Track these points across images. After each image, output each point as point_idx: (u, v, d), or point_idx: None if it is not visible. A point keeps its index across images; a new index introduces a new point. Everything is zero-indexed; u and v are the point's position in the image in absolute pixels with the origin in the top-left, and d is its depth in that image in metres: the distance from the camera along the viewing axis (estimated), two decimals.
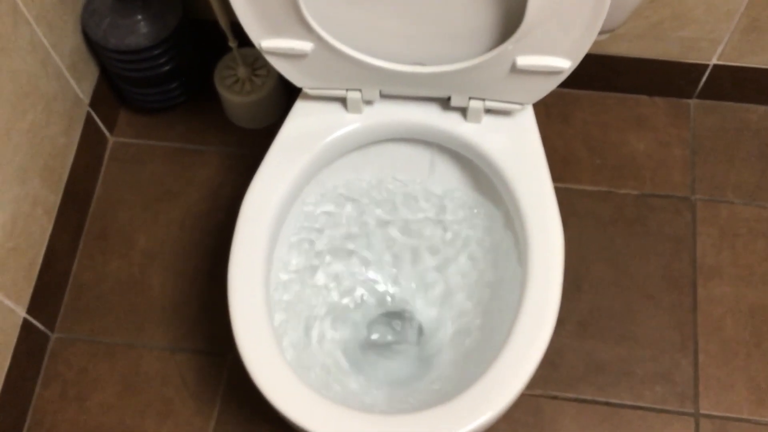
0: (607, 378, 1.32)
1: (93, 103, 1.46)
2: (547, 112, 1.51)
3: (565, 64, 0.96)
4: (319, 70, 1.02)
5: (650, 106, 1.52)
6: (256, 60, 1.47)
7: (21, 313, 1.29)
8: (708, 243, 1.40)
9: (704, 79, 1.46)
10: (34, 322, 1.33)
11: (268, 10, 0.94)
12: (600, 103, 1.52)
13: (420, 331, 1.19)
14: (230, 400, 1.33)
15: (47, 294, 1.36)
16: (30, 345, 1.32)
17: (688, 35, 1.37)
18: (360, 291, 1.19)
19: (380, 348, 1.19)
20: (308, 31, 0.96)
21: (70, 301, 1.41)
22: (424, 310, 1.18)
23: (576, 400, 1.31)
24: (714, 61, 1.42)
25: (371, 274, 1.20)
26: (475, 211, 1.16)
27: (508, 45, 0.94)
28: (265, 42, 0.99)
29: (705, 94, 1.50)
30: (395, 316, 1.21)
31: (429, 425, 0.90)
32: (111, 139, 1.54)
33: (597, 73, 1.46)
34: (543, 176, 1.04)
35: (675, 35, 1.37)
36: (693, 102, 1.52)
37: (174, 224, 1.47)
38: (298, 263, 1.15)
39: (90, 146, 1.47)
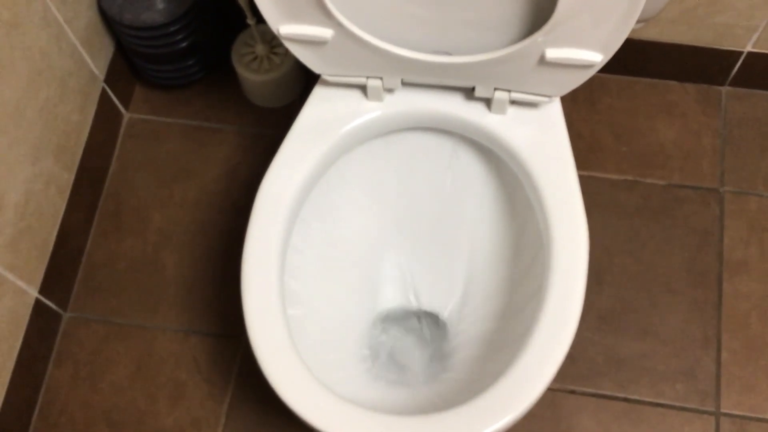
0: (626, 373, 1.29)
1: (108, 79, 1.43)
2: (573, 96, 1.46)
3: (597, 58, 0.92)
4: (339, 57, 0.99)
5: (680, 92, 1.47)
6: (274, 38, 1.44)
7: (33, 293, 1.28)
8: (736, 237, 1.37)
9: (737, 66, 1.41)
10: (47, 301, 1.32)
11: None
12: (628, 88, 1.48)
13: (438, 327, 1.17)
14: (243, 384, 1.32)
15: (60, 273, 1.35)
16: (42, 325, 1.31)
17: (723, 21, 1.32)
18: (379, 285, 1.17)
19: (397, 345, 1.17)
20: (328, 18, 0.92)
21: (83, 281, 1.40)
22: (441, 307, 1.16)
23: (594, 395, 1.29)
24: (749, 48, 1.37)
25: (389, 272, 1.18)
26: (496, 207, 1.13)
27: (538, 37, 0.90)
28: (284, 28, 0.95)
29: (737, 82, 1.45)
30: (411, 315, 1.19)
31: (449, 426, 0.88)
32: (126, 116, 1.51)
33: (626, 57, 1.41)
34: (569, 172, 1.01)
35: (709, 21, 1.33)
36: (725, 90, 1.47)
37: (189, 203, 1.44)
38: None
39: (105, 123, 1.44)
